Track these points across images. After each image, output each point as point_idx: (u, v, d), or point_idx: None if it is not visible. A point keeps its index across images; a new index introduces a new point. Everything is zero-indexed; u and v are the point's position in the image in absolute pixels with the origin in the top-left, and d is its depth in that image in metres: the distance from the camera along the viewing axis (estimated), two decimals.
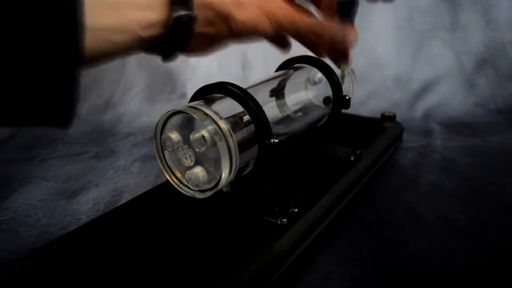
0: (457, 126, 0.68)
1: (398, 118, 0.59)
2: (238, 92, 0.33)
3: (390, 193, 0.47)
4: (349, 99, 0.44)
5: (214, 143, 0.30)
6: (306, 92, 0.46)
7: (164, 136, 0.32)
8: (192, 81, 0.80)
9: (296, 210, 0.36)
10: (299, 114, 0.44)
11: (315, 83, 0.46)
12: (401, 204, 0.45)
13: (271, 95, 0.41)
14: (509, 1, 0.82)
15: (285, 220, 0.34)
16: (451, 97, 0.79)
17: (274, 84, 0.42)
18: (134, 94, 0.77)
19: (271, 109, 0.40)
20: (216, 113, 0.30)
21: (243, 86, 0.35)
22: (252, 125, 0.33)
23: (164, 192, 0.40)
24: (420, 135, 0.65)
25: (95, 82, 0.76)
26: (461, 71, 0.82)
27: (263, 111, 0.33)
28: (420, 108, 0.76)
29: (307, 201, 0.38)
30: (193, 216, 0.36)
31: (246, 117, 0.33)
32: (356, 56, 0.87)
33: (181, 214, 0.36)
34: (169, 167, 0.34)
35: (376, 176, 0.50)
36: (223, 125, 0.30)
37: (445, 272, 0.34)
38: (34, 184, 0.51)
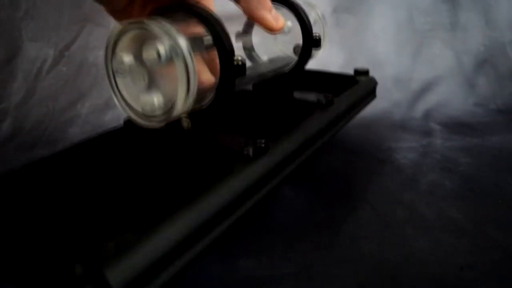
0: (457, 126, 0.68)
1: (398, 118, 0.59)
2: (198, 10, 0.30)
3: (390, 193, 0.47)
4: (319, 37, 0.42)
5: (170, 58, 0.26)
6: (275, 40, 0.44)
7: (116, 55, 0.28)
8: None
9: (263, 145, 0.34)
10: (267, 60, 0.41)
11: (285, 34, 0.43)
12: (401, 204, 0.45)
13: (236, 38, 0.39)
14: (509, 1, 0.82)
15: (251, 154, 0.32)
16: (451, 97, 0.79)
17: (240, 25, 0.39)
18: None
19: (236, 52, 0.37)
20: (175, 28, 0.27)
21: None
22: (214, 49, 0.30)
23: (125, 130, 0.38)
24: (420, 135, 0.65)
25: (95, 82, 0.76)
26: (461, 71, 0.82)
27: (227, 32, 0.30)
28: (420, 108, 0.76)
29: (275, 137, 0.36)
30: (155, 152, 0.35)
31: (207, 39, 0.30)
32: (356, 56, 0.87)
33: (144, 150, 0.35)
34: (121, 94, 0.30)
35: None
36: (182, 40, 0.26)
37: (445, 272, 0.34)
38: None
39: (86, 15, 0.75)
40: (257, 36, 0.41)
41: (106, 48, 0.28)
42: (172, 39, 0.26)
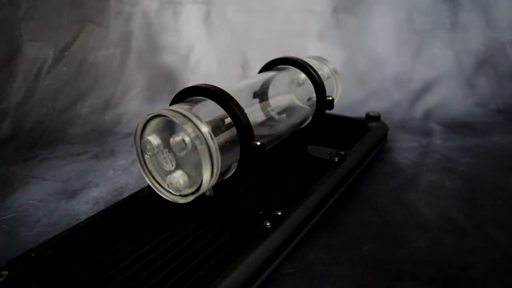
0: (457, 126, 0.68)
1: (398, 118, 0.59)
2: (220, 94, 0.32)
3: (390, 193, 0.47)
4: (333, 100, 0.44)
5: (195, 147, 0.29)
6: (290, 93, 0.46)
7: (144, 140, 0.31)
8: (192, 81, 0.80)
9: (280, 213, 0.35)
10: (283, 115, 0.43)
11: (299, 85, 0.45)
12: (401, 204, 0.45)
13: (254, 97, 0.41)
14: (509, 1, 0.82)
15: (269, 224, 0.34)
16: (451, 97, 0.79)
17: (257, 86, 0.42)
18: (134, 94, 0.77)
19: (254, 112, 0.40)
20: (197, 116, 0.30)
21: (228, 88, 0.35)
22: (234, 127, 0.32)
23: (146, 196, 0.39)
24: (420, 135, 0.65)
25: (95, 82, 0.76)
26: (461, 71, 0.82)
27: (244, 113, 0.32)
28: (420, 108, 0.76)
29: (291, 204, 0.38)
30: (175, 220, 0.36)
31: (228, 120, 0.32)
32: (356, 56, 0.87)
33: (163, 217, 0.36)
34: (149, 171, 0.33)
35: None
36: (204, 128, 0.29)
37: (445, 272, 0.34)
38: (34, 184, 0.51)
39: (86, 15, 0.75)
40: (273, 92, 0.43)
41: (135, 132, 0.32)
42: (196, 128, 0.29)
